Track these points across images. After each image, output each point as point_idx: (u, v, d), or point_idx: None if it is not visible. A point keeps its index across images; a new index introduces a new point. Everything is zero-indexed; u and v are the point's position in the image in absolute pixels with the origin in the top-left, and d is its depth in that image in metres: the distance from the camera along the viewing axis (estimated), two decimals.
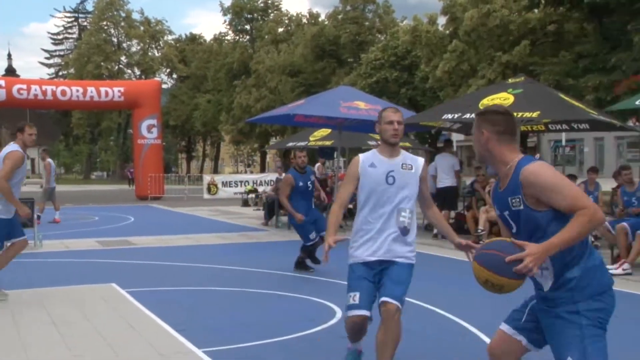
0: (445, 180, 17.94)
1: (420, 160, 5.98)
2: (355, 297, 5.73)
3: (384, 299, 5.62)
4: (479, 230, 16.41)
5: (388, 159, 5.79)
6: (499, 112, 4.63)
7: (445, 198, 17.93)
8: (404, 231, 5.73)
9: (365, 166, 5.78)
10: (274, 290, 10.14)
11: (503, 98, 16.20)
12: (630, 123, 25.29)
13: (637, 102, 11.91)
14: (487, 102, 16.20)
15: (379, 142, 6.29)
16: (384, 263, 5.74)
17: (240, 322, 8.31)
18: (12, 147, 9.49)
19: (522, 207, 4.14)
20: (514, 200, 4.19)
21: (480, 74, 34.83)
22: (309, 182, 11.28)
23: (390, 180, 5.70)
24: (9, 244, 9.42)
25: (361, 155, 5.93)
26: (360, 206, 5.86)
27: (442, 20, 41.69)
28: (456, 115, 16.72)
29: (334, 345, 7.29)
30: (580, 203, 3.96)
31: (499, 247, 4.07)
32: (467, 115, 16.17)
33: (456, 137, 29.68)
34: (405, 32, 45.17)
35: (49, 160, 22.95)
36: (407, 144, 27.67)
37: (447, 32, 40.06)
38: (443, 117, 17.37)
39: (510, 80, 18.84)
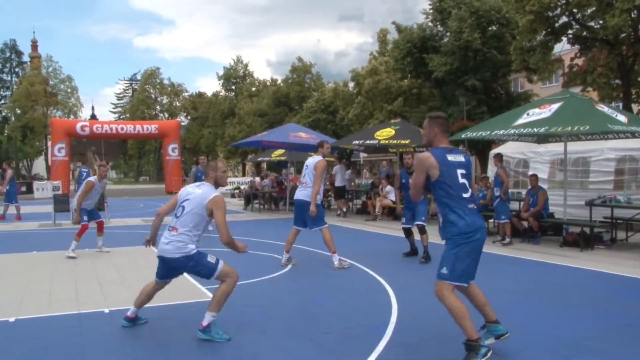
0: (340, 181, 18.32)
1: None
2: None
3: None
4: (376, 212, 16.78)
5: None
6: (443, 117, 4.54)
7: (338, 192, 18.45)
8: None
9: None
10: (251, 250, 10.29)
11: (388, 131, 16.60)
12: (460, 147, 25.87)
13: (462, 136, 12.27)
14: (379, 133, 16.61)
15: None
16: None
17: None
18: (317, 157, 8.88)
19: None
20: None
21: (375, 117, 35.13)
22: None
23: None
24: None
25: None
26: None
27: (351, 84, 42.04)
28: (361, 141, 17.07)
29: (288, 284, 7.52)
30: None
31: None
32: (368, 142, 16.59)
33: (362, 155, 29.89)
34: (329, 91, 45.40)
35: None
36: (332, 159, 27.82)
37: (355, 91, 40.32)
38: (353, 142, 17.74)
39: (392, 121, 19.29)
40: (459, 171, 4.26)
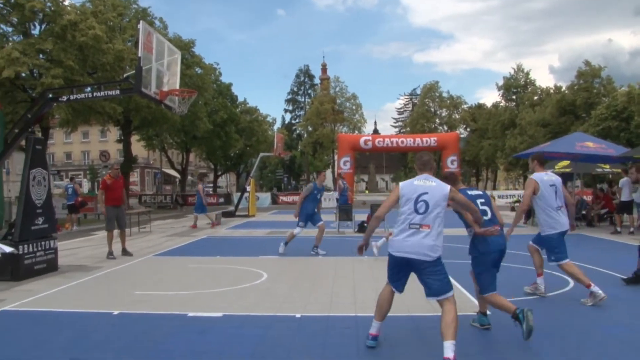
0: (627, 196, 16.72)
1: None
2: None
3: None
4: None
5: None
6: None
7: (623, 207, 16.88)
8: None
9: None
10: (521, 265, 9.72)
11: None
12: None
13: None
14: None
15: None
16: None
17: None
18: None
19: None
20: None
21: None
22: None
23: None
24: None
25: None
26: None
27: None
28: None
29: (568, 305, 6.96)
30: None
31: None
32: None
33: None
34: (622, 95, 41.61)
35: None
36: (618, 170, 25.56)
37: None
38: None
39: None
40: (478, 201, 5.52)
